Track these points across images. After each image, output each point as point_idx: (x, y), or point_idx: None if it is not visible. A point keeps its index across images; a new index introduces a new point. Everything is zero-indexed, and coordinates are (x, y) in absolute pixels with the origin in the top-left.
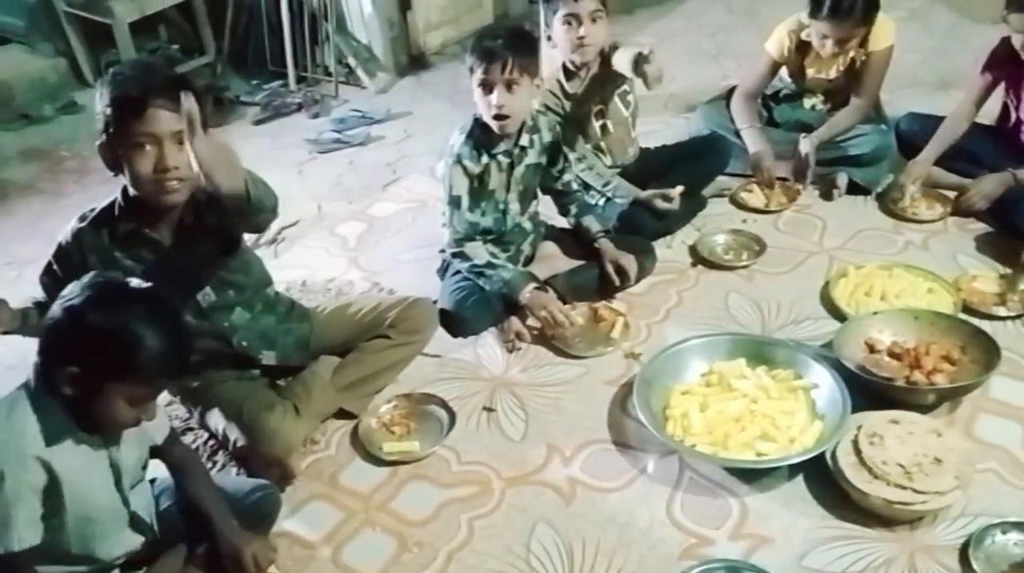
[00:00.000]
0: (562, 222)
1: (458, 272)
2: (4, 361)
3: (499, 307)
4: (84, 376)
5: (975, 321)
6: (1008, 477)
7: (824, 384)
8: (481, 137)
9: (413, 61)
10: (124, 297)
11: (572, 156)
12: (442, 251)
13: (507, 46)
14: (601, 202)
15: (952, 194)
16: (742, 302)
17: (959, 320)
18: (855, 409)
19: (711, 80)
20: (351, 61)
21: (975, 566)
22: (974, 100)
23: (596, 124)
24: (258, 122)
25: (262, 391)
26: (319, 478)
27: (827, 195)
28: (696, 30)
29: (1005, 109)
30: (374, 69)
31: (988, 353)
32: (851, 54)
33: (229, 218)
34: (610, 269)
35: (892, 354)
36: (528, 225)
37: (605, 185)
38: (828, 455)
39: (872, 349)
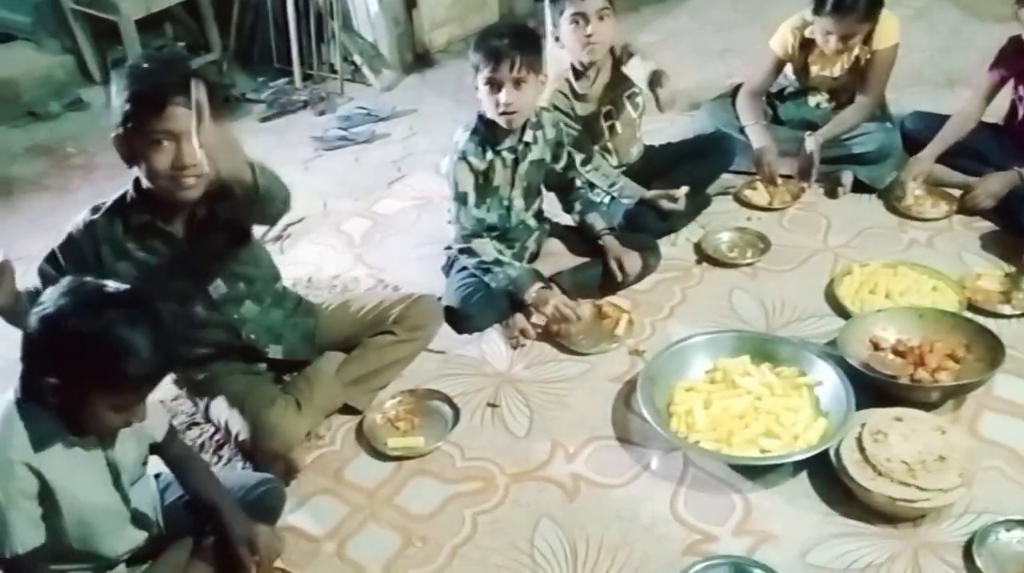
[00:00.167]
0: (567, 219)
1: (463, 269)
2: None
3: (504, 304)
4: (66, 387)
5: (980, 319)
6: (1012, 475)
7: (828, 381)
8: (486, 134)
9: (418, 59)
10: (101, 303)
11: (578, 157)
12: (448, 248)
13: (514, 45)
14: (606, 200)
15: (957, 192)
16: (746, 299)
17: (964, 318)
18: (859, 407)
19: (716, 78)
20: (357, 59)
21: (979, 563)
22: (982, 98)
23: (604, 125)
24: (264, 119)
25: (265, 386)
26: (324, 473)
27: (832, 193)
28: (702, 27)
29: (1013, 107)
30: (379, 67)
31: (992, 351)
32: (855, 52)
33: (240, 210)
34: (614, 266)
35: (896, 352)
36: (533, 222)
37: (611, 186)
38: (832, 452)
39: (876, 347)
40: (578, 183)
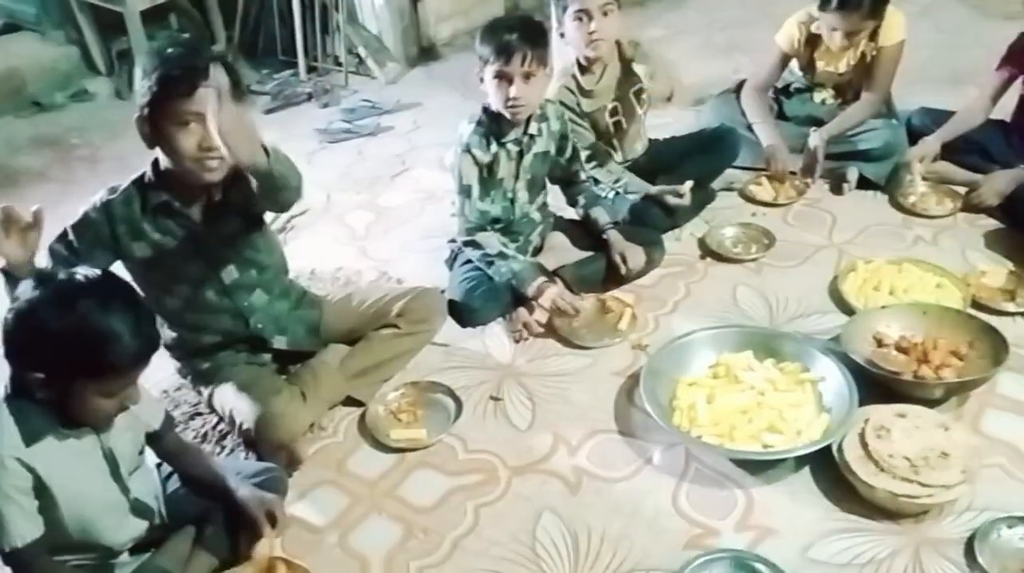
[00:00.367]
0: (571, 213)
1: (467, 262)
2: None
3: (507, 298)
4: (50, 380)
5: (984, 317)
6: (1015, 472)
7: (831, 377)
8: (490, 126)
9: (423, 52)
10: (73, 294)
11: (583, 154)
12: (452, 241)
13: (524, 38)
14: (610, 194)
15: (963, 190)
16: (750, 295)
17: (967, 315)
18: (862, 403)
19: (722, 74)
20: (361, 51)
21: (980, 560)
22: (990, 95)
23: (610, 121)
24: (268, 111)
25: (270, 377)
26: (326, 464)
27: (837, 189)
28: (708, 23)
29: (1021, 104)
30: (384, 59)
31: (996, 348)
32: (861, 48)
33: (254, 195)
34: (618, 260)
35: (900, 348)
36: (537, 215)
37: (616, 182)
38: (834, 448)
39: (880, 343)
40: (583, 176)
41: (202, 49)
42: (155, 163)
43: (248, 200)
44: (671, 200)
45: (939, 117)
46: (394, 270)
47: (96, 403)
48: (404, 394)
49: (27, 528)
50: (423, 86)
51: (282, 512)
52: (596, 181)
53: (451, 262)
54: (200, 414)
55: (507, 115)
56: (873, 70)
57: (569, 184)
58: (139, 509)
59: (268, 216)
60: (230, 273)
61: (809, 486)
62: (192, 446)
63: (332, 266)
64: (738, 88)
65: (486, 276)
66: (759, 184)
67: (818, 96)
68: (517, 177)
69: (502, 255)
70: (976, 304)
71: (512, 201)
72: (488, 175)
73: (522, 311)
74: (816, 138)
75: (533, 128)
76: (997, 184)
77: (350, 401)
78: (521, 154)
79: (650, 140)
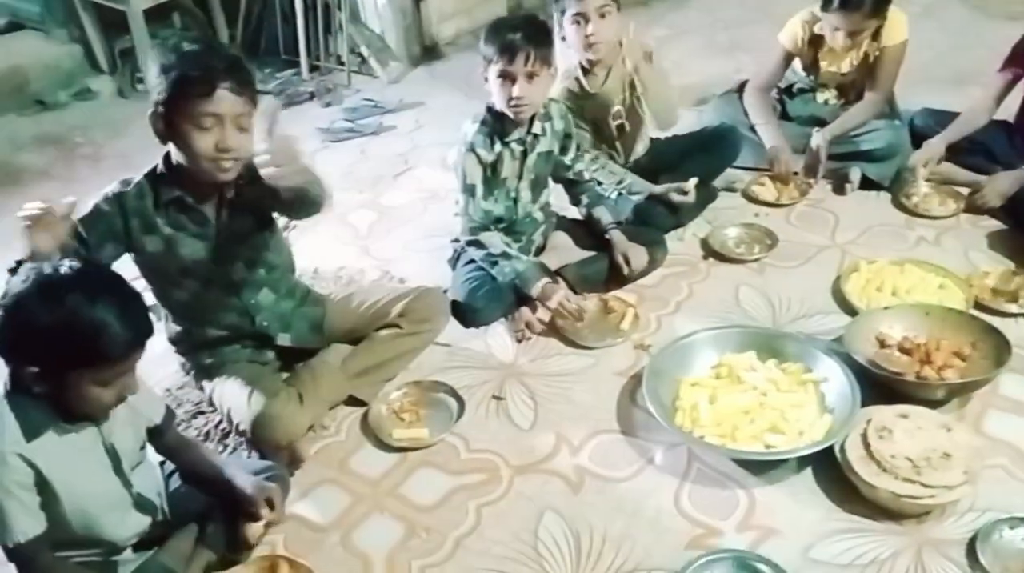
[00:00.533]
0: (574, 212)
1: (470, 262)
2: None
3: (510, 298)
4: (45, 373)
5: (986, 317)
6: (1017, 473)
7: (834, 378)
8: (494, 125)
9: (426, 51)
10: (60, 287)
11: (587, 155)
12: (455, 241)
13: (528, 38)
14: (613, 194)
15: (966, 191)
16: (753, 295)
17: (970, 316)
18: (864, 403)
19: (725, 73)
20: (364, 51)
21: (982, 561)
22: (994, 96)
23: (613, 124)
24: None
25: (269, 377)
26: (329, 463)
27: (839, 190)
28: (711, 23)
29: None
30: (387, 59)
31: (998, 349)
32: (864, 48)
33: (269, 194)
34: (620, 261)
35: (902, 349)
36: (539, 215)
37: (619, 183)
38: (837, 448)
39: (883, 344)
40: (586, 176)
41: (221, 49)
42: (167, 158)
43: (262, 200)
44: (676, 198)
45: (942, 118)
46: (397, 270)
47: (93, 393)
48: (407, 393)
49: (29, 524)
50: (426, 85)
51: (281, 500)
52: (599, 182)
53: (454, 262)
54: (203, 413)
55: (510, 115)
56: (876, 70)
57: (572, 184)
58: (142, 504)
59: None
60: (238, 270)
61: (811, 486)
62: (192, 441)
63: (335, 265)
64: (740, 88)
65: (489, 276)
66: (762, 184)
67: (821, 96)
68: (521, 177)
69: (505, 255)
70: (979, 305)
71: (515, 201)
72: (492, 174)
73: (525, 311)
74: (819, 138)
75: (537, 128)
76: (1000, 185)
77: (353, 400)
78: (525, 154)
79: (651, 140)
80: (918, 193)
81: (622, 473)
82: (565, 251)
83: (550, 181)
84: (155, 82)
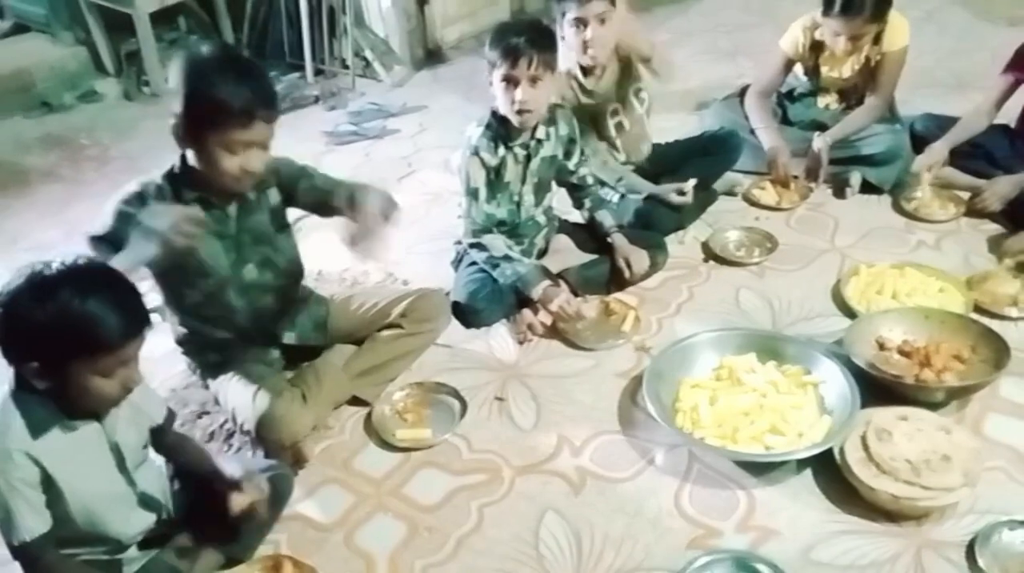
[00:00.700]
0: (576, 216)
1: (472, 264)
2: None
3: (511, 299)
4: (46, 368)
5: (986, 321)
6: (1016, 475)
7: (833, 380)
8: (499, 129)
9: (430, 55)
10: (51, 283)
11: (586, 150)
12: (457, 243)
13: (531, 43)
14: (615, 197)
15: (966, 194)
16: (753, 298)
17: (969, 319)
18: (864, 406)
19: (727, 78)
20: (368, 54)
21: (981, 563)
22: (995, 100)
23: (612, 122)
24: None
25: (274, 377)
26: (332, 463)
27: (840, 194)
28: (713, 28)
29: None
30: (391, 62)
31: (998, 353)
32: (865, 52)
33: (288, 198)
34: (622, 264)
35: (902, 352)
36: (542, 218)
37: (618, 180)
38: (836, 450)
39: (882, 347)
40: (589, 180)
41: (258, 73)
42: (183, 159)
43: (281, 202)
44: (674, 198)
45: (943, 122)
46: (400, 271)
47: (95, 385)
48: (409, 394)
49: (35, 522)
50: (429, 89)
51: (265, 483)
52: (602, 183)
53: (456, 263)
54: (207, 413)
55: (514, 119)
56: (877, 75)
57: (575, 188)
58: (146, 502)
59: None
60: (250, 271)
61: (811, 488)
62: (191, 442)
63: (339, 267)
64: (742, 92)
65: (490, 278)
66: (762, 188)
67: (822, 101)
68: (524, 181)
69: (507, 258)
70: (978, 308)
71: (518, 204)
72: (495, 178)
73: (526, 313)
74: (819, 142)
75: (541, 132)
76: (1000, 189)
77: (356, 401)
78: (528, 158)
79: (653, 143)
80: (920, 197)
81: (623, 474)
82: (567, 254)
83: (553, 185)
84: (175, 87)
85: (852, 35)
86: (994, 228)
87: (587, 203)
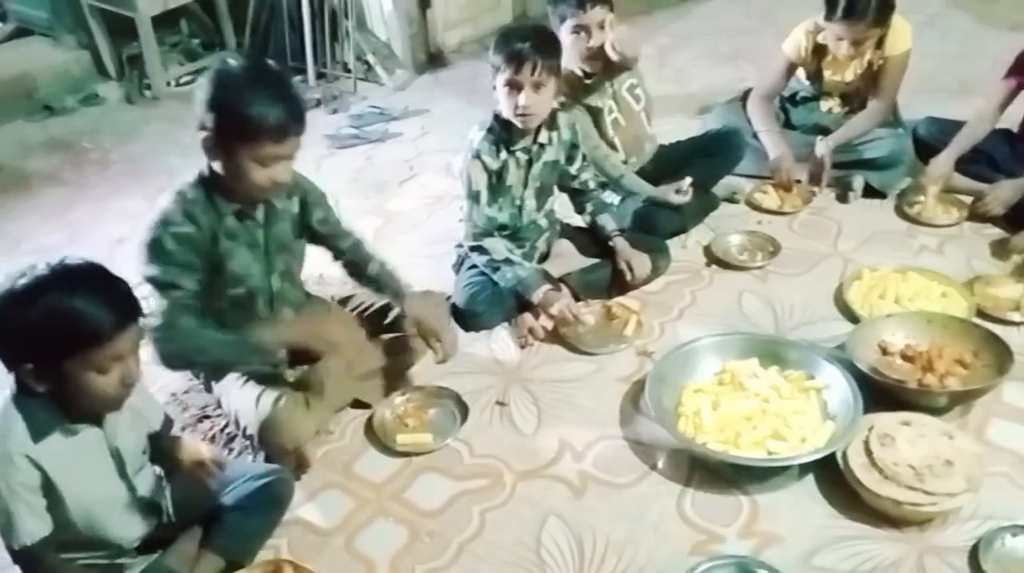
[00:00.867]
0: (577, 220)
1: (473, 267)
2: None
3: (511, 303)
4: (41, 368)
5: (988, 325)
6: (1019, 480)
7: (836, 385)
8: (500, 133)
9: (431, 59)
10: (36, 283)
11: (586, 151)
12: (458, 246)
13: (535, 48)
14: (616, 201)
15: (968, 199)
16: (756, 302)
17: (972, 324)
18: (867, 410)
19: (728, 82)
20: (370, 58)
21: (984, 569)
22: (997, 105)
23: (608, 119)
24: None
25: (277, 381)
26: (333, 467)
27: (843, 198)
28: (714, 32)
29: None
30: (393, 66)
31: (1001, 357)
32: (868, 56)
33: (309, 208)
34: (624, 267)
35: (905, 357)
36: (543, 222)
37: (619, 177)
38: (839, 455)
39: (885, 351)
40: (591, 184)
41: (292, 91)
42: (210, 169)
43: (299, 213)
44: (674, 198)
45: (945, 127)
46: (402, 275)
47: (92, 382)
48: (410, 399)
49: (36, 526)
50: (431, 92)
51: (219, 457)
52: (603, 186)
53: (458, 267)
54: (208, 416)
55: (517, 123)
56: (880, 79)
57: (577, 192)
58: (146, 507)
59: None
60: (276, 281)
61: (813, 493)
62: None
63: (340, 271)
64: (744, 96)
65: (490, 281)
66: (765, 192)
67: (824, 105)
68: (526, 185)
69: (508, 261)
70: (981, 313)
71: (520, 208)
72: (497, 182)
73: (527, 316)
74: (822, 146)
75: (543, 137)
76: (1003, 194)
77: (357, 404)
78: (530, 162)
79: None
80: (923, 201)
81: (625, 479)
82: (569, 258)
83: (555, 189)
84: (206, 101)
85: (855, 39)
86: (996, 232)
87: (589, 207)
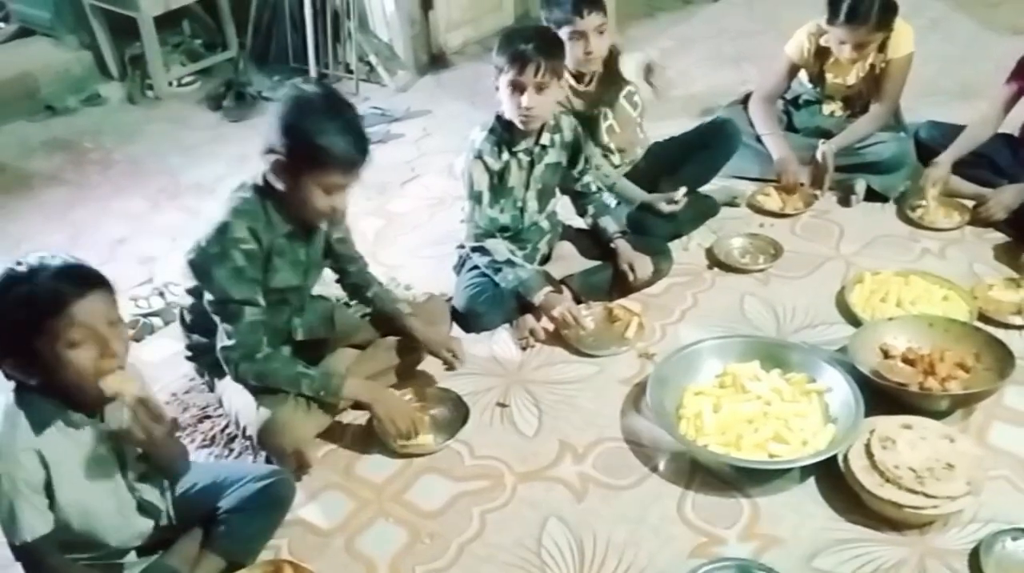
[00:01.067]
0: (579, 222)
1: (474, 268)
2: None
3: (512, 304)
4: (17, 358)
5: (990, 329)
6: (1020, 484)
7: (838, 388)
8: (503, 134)
9: (433, 60)
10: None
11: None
12: (460, 247)
13: (539, 49)
14: (614, 202)
15: (970, 203)
16: (757, 305)
17: (974, 328)
18: (868, 414)
19: (731, 84)
20: (372, 59)
21: (985, 572)
22: (999, 109)
23: (604, 125)
24: None
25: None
26: (334, 468)
27: (845, 201)
28: (717, 34)
29: None
30: (395, 67)
31: (1002, 361)
32: (870, 60)
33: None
34: (626, 270)
35: (906, 360)
36: (545, 224)
37: (611, 186)
38: (840, 458)
39: (886, 354)
40: (592, 186)
41: (364, 127)
42: (266, 181)
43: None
44: (665, 207)
45: (947, 130)
46: (403, 276)
47: (69, 359)
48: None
49: (38, 522)
50: (433, 94)
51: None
52: (608, 189)
53: (459, 267)
54: (209, 417)
55: (519, 124)
56: (882, 82)
57: (579, 195)
58: (145, 508)
59: None
60: (307, 295)
61: (814, 496)
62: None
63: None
64: (746, 99)
65: (491, 282)
66: (767, 195)
67: (827, 108)
68: (527, 186)
69: (510, 262)
70: (982, 317)
71: (522, 210)
72: (499, 183)
73: (528, 318)
74: (824, 150)
75: (545, 139)
76: (1005, 198)
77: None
78: (532, 164)
79: (651, 142)
80: (925, 205)
81: (626, 481)
82: (571, 260)
83: (557, 191)
84: (278, 124)
85: (857, 43)
86: (998, 237)
87: (590, 210)
